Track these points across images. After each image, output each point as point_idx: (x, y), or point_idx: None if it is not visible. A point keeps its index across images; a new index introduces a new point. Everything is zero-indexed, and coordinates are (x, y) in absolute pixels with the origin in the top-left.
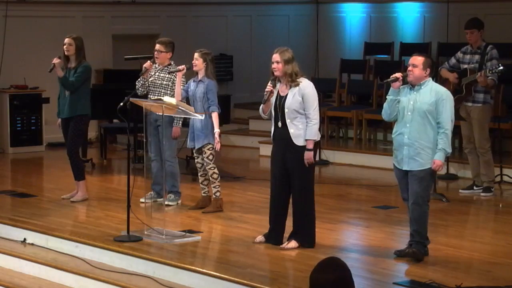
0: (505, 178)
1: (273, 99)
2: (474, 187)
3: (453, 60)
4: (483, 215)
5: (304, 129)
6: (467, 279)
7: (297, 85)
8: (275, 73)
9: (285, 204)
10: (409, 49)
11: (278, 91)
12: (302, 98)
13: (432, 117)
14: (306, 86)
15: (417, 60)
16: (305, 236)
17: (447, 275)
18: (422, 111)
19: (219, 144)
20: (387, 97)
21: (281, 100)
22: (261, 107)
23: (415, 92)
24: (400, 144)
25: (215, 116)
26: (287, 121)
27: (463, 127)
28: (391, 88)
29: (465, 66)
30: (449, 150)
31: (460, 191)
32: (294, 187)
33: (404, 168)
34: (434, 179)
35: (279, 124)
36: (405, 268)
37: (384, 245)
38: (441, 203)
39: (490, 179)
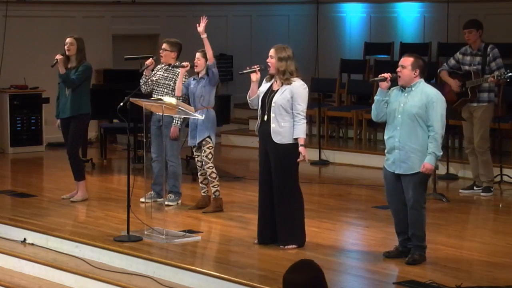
0: (505, 178)
1: (262, 90)
2: (474, 187)
3: (452, 61)
4: (483, 215)
5: (286, 127)
6: (467, 279)
7: (289, 83)
8: (268, 69)
9: (271, 201)
10: (409, 49)
11: (271, 85)
12: (292, 97)
13: (422, 120)
14: (298, 86)
15: (406, 61)
16: (287, 236)
17: (447, 275)
18: (411, 114)
19: None
20: (374, 97)
21: (271, 94)
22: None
23: (406, 94)
24: (392, 148)
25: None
26: (271, 115)
27: (465, 127)
28: (379, 89)
29: (466, 67)
30: (440, 153)
31: (460, 191)
32: (274, 184)
33: (396, 172)
34: (428, 182)
35: (265, 117)
36: (405, 268)
37: (384, 245)
38: (441, 203)
39: (489, 178)
